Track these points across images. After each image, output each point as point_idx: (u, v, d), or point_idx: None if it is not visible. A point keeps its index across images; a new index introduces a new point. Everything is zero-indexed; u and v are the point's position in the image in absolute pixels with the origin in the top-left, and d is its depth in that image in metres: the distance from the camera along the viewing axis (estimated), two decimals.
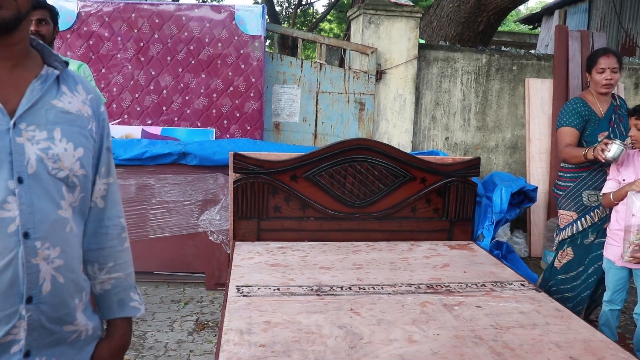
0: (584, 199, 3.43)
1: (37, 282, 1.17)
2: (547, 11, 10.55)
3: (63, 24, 4.74)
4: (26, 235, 1.15)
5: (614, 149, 3.05)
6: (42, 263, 1.17)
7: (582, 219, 3.45)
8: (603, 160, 3.09)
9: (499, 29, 13.11)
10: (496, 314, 2.30)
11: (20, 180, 1.15)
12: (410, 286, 2.61)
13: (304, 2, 18.52)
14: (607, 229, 3.25)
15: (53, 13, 3.21)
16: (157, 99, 4.88)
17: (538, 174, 5.62)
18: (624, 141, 3.14)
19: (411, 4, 5.53)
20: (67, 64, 1.30)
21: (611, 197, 3.09)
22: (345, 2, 15.40)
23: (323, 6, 20.58)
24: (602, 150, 3.06)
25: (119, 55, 4.81)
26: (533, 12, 12.41)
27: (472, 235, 3.55)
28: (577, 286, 3.52)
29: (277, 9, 17.73)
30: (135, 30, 4.81)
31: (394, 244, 3.34)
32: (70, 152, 1.23)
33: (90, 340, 1.36)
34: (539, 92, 5.76)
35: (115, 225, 1.44)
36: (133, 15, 4.79)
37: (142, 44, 4.82)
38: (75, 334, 1.29)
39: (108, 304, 1.45)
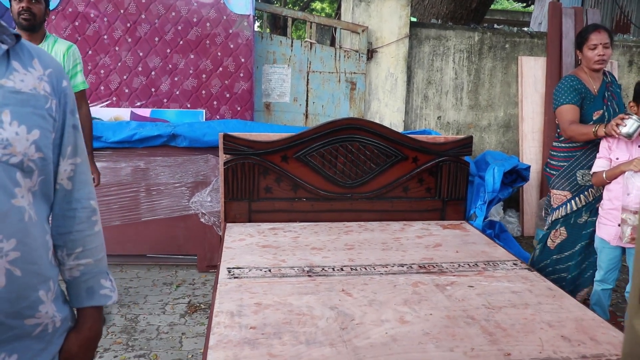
0: (578, 178, 3.41)
1: None
2: None
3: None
4: None
5: (630, 123, 2.93)
6: None
7: (577, 198, 3.43)
8: (617, 137, 3.03)
9: (492, 7, 13.01)
10: (488, 294, 2.29)
11: None
12: (402, 266, 2.59)
13: None
14: (600, 208, 3.23)
15: None
16: (146, 81, 4.81)
17: (531, 153, 5.60)
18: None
19: None
20: (18, 37, 1.20)
21: (604, 175, 3.07)
22: None
23: None
24: (617, 125, 2.99)
25: (105, 37, 4.73)
26: None
27: (464, 214, 3.54)
28: (572, 266, 3.52)
29: None
30: (122, 11, 4.72)
31: (386, 224, 3.33)
32: (22, 136, 1.14)
33: (61, 332, 1.29)
34: (532, 70, 5.72)
35: (84, 208, 1.34)
36: None
37: (129, 25, 4.74)
38: (39, 327, 1.21)
39: (77, 292, 1.36)
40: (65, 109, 1.28)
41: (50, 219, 1.31)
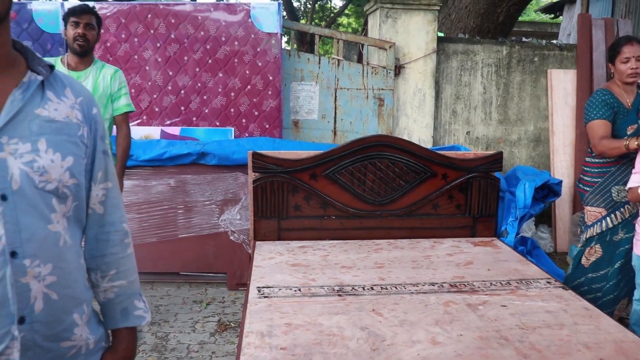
0: (613, 194, 3.33)
1: (28, 302, 1.13)
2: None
3: None
4: (13, 254, 1.11)
5: None
6: (33, 282, 1.13)
7: (612, 215, 3.36)
8: None
9: (520, 19, 12.93)
10: (522, 314, 2.24)
11: (3, 198, 1.10)
12: (433, 285, 2.56)
13: None
14: (637, 224, 3.15)
15: (98, 19, 3.31)
16: (175, 99, 4.88)
17: (562, 167, 5.51)
18: None
19: None
20: (52, 67, 1.24)
21: (639, 191, 3.00)
22: None
23: (341, 0, 20.51)
24: None
25: (136, 57, 4.82)
26: (554, 1, 12.20)
27: (495, 231, 3.48)
28: (609, 287, 3.43)
29: (295, 4, 17.71)
30: (152, 31, 4.81)
31: (416, 242, 3.30)
32: (57, 163, 1.18)
33: (92, 353, 1.32)
34: (562, 83, 5.65)
35: (117, 231, 1.38)
36: (149, 16, 4.79)
37: (158, 45, 4.82)
38: (74, 349, 1.25)
39: (111, 313, 1.40)
40: (95, 135, 1.32)
41: (83, 242, 1.34)
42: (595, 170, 3.41)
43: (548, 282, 2.61)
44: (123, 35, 4.79)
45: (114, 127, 3.50)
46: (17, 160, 1.13)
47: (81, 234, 1.32)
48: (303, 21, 16.34)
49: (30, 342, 1.15)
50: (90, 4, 4.81)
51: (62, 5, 4.83)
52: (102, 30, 3.48)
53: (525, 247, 4.19)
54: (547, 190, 4.39)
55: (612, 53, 3.40)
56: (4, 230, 1.10)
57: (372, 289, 2.51)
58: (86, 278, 1.31)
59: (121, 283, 1.39)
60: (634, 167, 3.13)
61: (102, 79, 3.31)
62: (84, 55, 3.26)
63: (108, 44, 4.78)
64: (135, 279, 1.44)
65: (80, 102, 1.28)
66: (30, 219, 1.14)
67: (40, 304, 1.15)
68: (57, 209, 1.19)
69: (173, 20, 4.81)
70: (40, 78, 1.20)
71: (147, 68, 4.83)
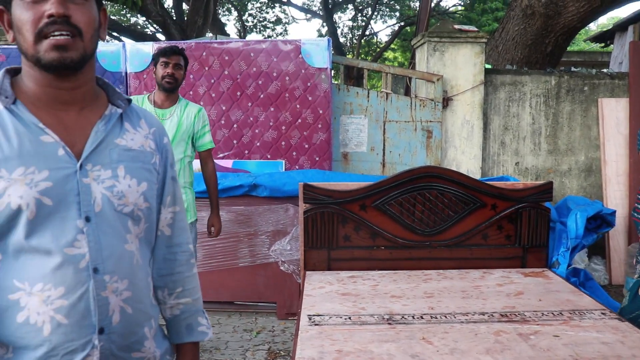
0: None
1: (107, 314, 1.23)
2: (620, 27, 10.21)
3: (140, 65, 5.02)
4: (95, 270, 1.22)
5: None
6: (111, 296, 1.24)
7: None
8: None
9: (569, 49, 12.80)
10: (575, 344, 2.22)
11: (87, 219, 1.22)
12: (484, 315, 2.56)
13: (367, 33, 18.72)
14: None
15: (186, 59, 3.49)
16: (228, 133, 5.04)
17: (616, 197, 5.40)
18: None
19: (475, 29, 5.52)
20: (129, 101, 1.37)
21: None
22: (409, 30, 15.47)
23: (387, 35, 20.73)
24: None
25: (191, 92, 5.02)
26: (604, 30, 12.05)
27: (546, 262, 3.44)
28: None
29: (341, 40, 18.00)
30: (207, 68, 5.01)
31: (466, 272, 3.29)
32: (134, 188, 1.30)
33: None
34: (614, 111, 5.58)
35: (184, 252, 1.49)
36: (204, 53, 5.00)
37: (212, 81, 5.01)
38: None
39: (177, 328, 1.50)
40: (166, 163, 1.44)
41: (151, 262, 1.44)
42: None
43: (603, 314, 2.57)
44: None
45: (191, 163, 3.64)
46: (100, 186, 1.25)
47: (150, 254, 1.43)
48: (350, 56, 16.57)
49: (107, 351, 1.25)
50: (152, 43, 5.06)
51: (124, 46, 5.10)
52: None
53: (578, 279, 4.11)
54: (600, 221, 4.31)
55: None
56: (87, 248, 1.22)
57: (422, 317, 2.53)
58: (152, 296, 1.41)
59: (187, 300, 1.49)
60: None
61: (185, 117, 3.46)
62: (171, 92, 3.43)
63: None
64: (199, 297, 1.54)
65: (153, 132, 1.41)
66: (110, 238, 1.26)
67: (117, 317, 1.26)
68: (131, 230, 1.31)
69: (227, 57, 5.00)
70: (119, 111, 1.34)
71: (201, 103, 5.02)
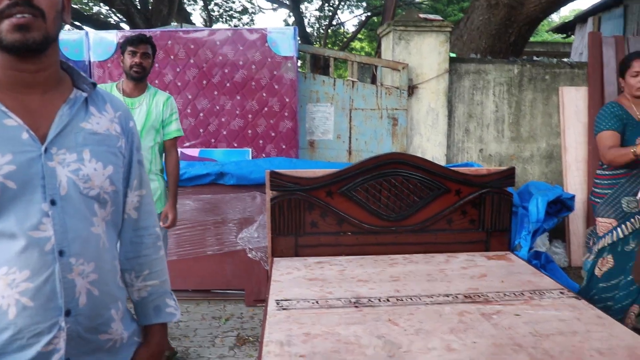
0: (623, 205, 3.39)
1: (73, 296, 1.24)
2: (581, 19, 10.43)
3: (103, 53, 4.95)
4: (61, 253, 1.22)
5: None
6: (78, 278, 1.24)
7: (623, 225, 3.41)
8: None
9: (532, 39, 13.01)
10: (535, 322, 2.29)
11: (53, 202, 1.22)
12: (448, 296, 2.61)
13: (334, 23, 18.72)
14: None
15: (154, 47, 3.47)
16: (195, 122, 5.01)
17: (575, 183, 5.55)
18: None
19: (440, 18, 5.58)
20: (94, 85, 1.37)
21: None
22: (376, 20, 15.52)
23: (354, 26, 20.74)
24: None
25: (156, 81, 4.97)
26: (566, 21, 12.28)
27: (509, 245, 3.53)
28: (620, 296, 3.47)
29: (308, 30, 17.97)
30: (172, 57, 4.97)
31: (431, 256, 3.35)
32: (100, 171, 1.30)
33: (126, 347, 1.42)
34: (574, 100, 5.71)
35: (150, 235, 1.50)
36: (169, 42, 4.95)
37: (178, 70, 4.97)
38: (110, 342, 1.35)
39: (145, 310, 1.51)
40: (132, 146, 1.44)
41: (118, 245, 1.45)
42: (606, 182, 3.47)
43: (561, 293, 2.66)
44: None
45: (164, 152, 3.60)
46: (65, 169, 1.25)
47: (117, 237, 1.44)
48: (317, 46, 16.56)
49: (74, 332, 1.25)
50: (116, 32, 4.99)
51: (87, 34, 5.01)
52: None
53: (539, 262, 4.22)
54: (561, 206, 4.43)
55: (623, 67, 3.48)
56: (53, 231, 1.22)
57: (388, 300, 2.57)
58: (119, 279, 1.42)
59: (154, 282, 1.51)
60: None
61: (154, 105, 3.44)
62: (139, 80, 3.40)
63: None
64: (167, 279, 1.55)
65: (119, 116, 1.41)
66: (76, 221, 1.26)
67: (84, 299, 1.26)
68: (98, 213, 1.31)
69: (192, 46, 4.96)
70: (84, 95, 1.34)
71: (167, 92, 4.96)
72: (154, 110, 3.42)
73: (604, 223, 3.48)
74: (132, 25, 10.98)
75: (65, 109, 1.28)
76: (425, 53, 5.47)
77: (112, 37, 4.98)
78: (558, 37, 14.95)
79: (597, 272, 3.55)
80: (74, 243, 1.24)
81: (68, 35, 5.03)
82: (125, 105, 1.49)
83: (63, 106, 1.28)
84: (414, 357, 1.97)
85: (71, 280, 1.24)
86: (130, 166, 1.44)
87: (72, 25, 11.82)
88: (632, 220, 3.38)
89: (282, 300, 2.58)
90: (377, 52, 6.98)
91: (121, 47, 3.41)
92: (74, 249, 1.24)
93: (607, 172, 3.47)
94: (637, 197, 3.19)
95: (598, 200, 3.50)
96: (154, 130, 3.43)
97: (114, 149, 1.36)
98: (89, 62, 5.00)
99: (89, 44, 4.98)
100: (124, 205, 1.44)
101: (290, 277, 2.95)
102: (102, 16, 15.01)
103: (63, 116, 1.27)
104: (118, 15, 14.70)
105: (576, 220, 5.45)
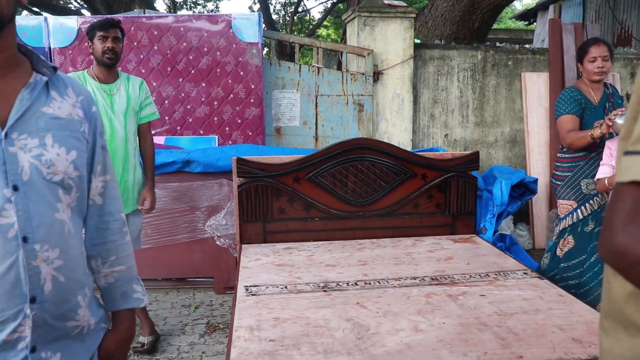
0: (582, 187, 3.48)
1: (38, 283, 1.22)
2: (542, 6, 10.61)
3: (64, 40, 4.84)
4: (25, 239, 1.20)
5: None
6: (42, 264, 1.23)
7: (582, 207, 3.50)
8: (609, 124, 3.09)
9: (495, 26, 13.17)
10: (500, 302, 2.35)
11: (15, 188, 1.20)
12: (415, 279, 2.66)
13: (300, 10, 18.62)
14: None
15: (123, 32, 3.39)
16: (160, 109, 4.94)
17: (538, 167, 5.67)
18: None
19: (404, 4, 5.60)
20: (55, 68, 1.33)
21: (606, 182, 3.14)
22: (342, 7, 15.49)
23: (319, 12, 20.67)
24: (615, 116, 3.08)
25: (119, 68, 4.88)
26: (528, 8, 12.45)
27: (474, 228, 3.60)
28: (582, 274, 3.57)
29: (274, 17, 17.84)
30: (135, 43, 4.89)
31: (398, 240, 3.39)
32: (63, 156, 1.28)
33: (94, 333, 1.41)
34: (536, 85, 5.82)
35: (116, 220, 1.48)
36: (132, 28, 4.87)
37: (142, 56, 4.90)
38: (77, 328, 1.34)
39: (112, 296, 1.50)
40: (95, 131, 1.42)
41: (83, 232, 1.43)
42: (566, 164, 3.56)
43: (525, 273, 2.72)
44: None
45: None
46: (27, 154, 1.22)
47: (82, 223, 1.42)
48: (283, 32, 16.45)
49: (40, 320, 1.24)
50: (77, 18, 4.89)
51: (46, 19, 4.89)
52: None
53: (504, 244, 4.31)
54: (524, 189, 4.51)
55: (581, 53, 3.56)
56: (16, 217, 1.20)
57: (356, 284, 2.60)
58: (86, 265, 1.40)
59: (120, 268, 1.49)
60: (601, 159, 3.28)
61: (132, 90, 3.39)
62: (111, 67, 3.33)
63: (92, 57, 4.83)
64: (133, 265, 1.54)
65: (81, 100, 1.38)
66: (40, 207, 1.23)
67: (49, 285, 1.24)
68: (62, 199, 1.29)
69: (156, 32, 4.89)
70: (45, 79, 1.30)
71: None
72: (132, 94, 3.38)
73: (564, 205, 3.58)
74: (93, 11, 10.74)
75: (25, 93, 1.25)
76: (390, 39, 5.49)
77: (72, 23, 4.87)
78: (521, 24, 15.16)
79: (558, 252, 3.65)
80: (39, 229, 1.22)
81: (26, 20, 4.90)
82: (86, 89, 1.45)
83: (23, 90, 1.25)
84: (382, 338, 2.00)
85: (36, 267, 1.22)
86: (94, 151, 1.42)
87: (30, 10, 11.51)
88: (591, 201, 3.48)
89: (251, 286, 2.59)
90: (343, 39, 6.98)
91: (88, 33, 3.32)
92: (39, 235, 1.22)
93: (567, 155, 3.55)
94: (596, 178, 3.28)
95: (559, 182, 3.59)
96: (135, 114, 3.39)
97: (77, 134, 1.33)
98: (49, 48, 4.89)
99: (49, 30, 4.86)
100: (88, 191, 1.42)
101: (258, 263, 2.96)
102: (61, 2, 14.65)
103: (23, 100, 1.24)
104: (78, 1, 14.37)
105: (539, 203, 5.57)
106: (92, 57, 4.47)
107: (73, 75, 3.29)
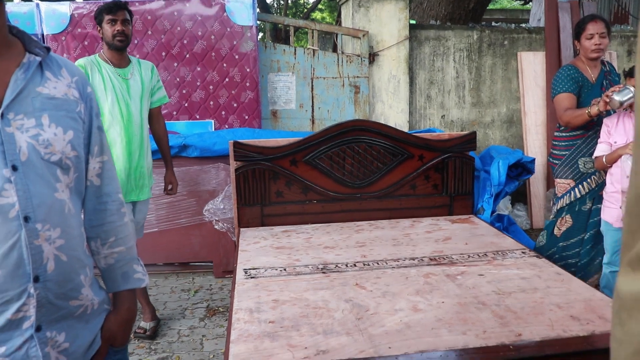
0: (580, 166, 3.48)
1: (41, 262, 1.22)
2: None
3: (57, 26, 4.80)
4: (26, 219, 1.20)
5: (624, 92, 2.98)
6: (45, 244, 1.23)
7: (580, 185, 3.50)
8: (607, 100, 3.07)
9: (491, 6, 13.09)
10: (498, 281, 2.35)
11: (14, 168, 1.20)
12: (414, 260, 2.66)
13: None
14: (604, 192, 3.30)
15: (131, 14, 3.33)
16: None
17: (535, 146, 5.66)
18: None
19: None
20: (48, 49, 1.33)
21: (604, 160, 3.15)
22: None
23: None
24: (612, 92, 3.05)
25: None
26: None
27: (472, 209, 3.60)
28: (582, 254, 3.58)
29: (268, 1, 17.70)
30: None
31: (396, 222, 3.40)
32: (60, 136, 1.28)
33: (97, 314, 1.42)
34: (532, 65, 5.79)
35: (114, 201, 1.49)
36: None
37: (136, 41, 4.86)
38: (81, 308, 1.35)
39: (113, 277, 1.51)
40: (91, 112, 1.42)
41: (82, 213, 1.43)
42: (563, 143, 3.55)
43: (523, 252, 2.73)
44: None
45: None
46: (24, 134, 1.22)
47: (81, 204, 1.42)
48: (277, 15, 16.34)
49: (44, 299, 1.24)
50: (70, 3, 4.84)
51: (38, 5, 4.85)
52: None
53: (502, 224, 4.32)
54: (521, 169, 4.52)
55: (578, 30, 3.54)
56: (16, 197, 1.20)
57: (355, 265, 2.61)
58: (85, 246, 1.41)
59: (120, 249, 1.50)
60: (599, 137, 3.28)
61: (145, 74, 3.36)
62: (123, 50, 3.28)
63: (86, 43, 4.80)
64: (133, 245, 1.54)
65: (75, 80, 1.38)
66: (39, 187, 1.23)
67: (52, 264, 1.25)
68: (61, 179, 1.29)
69: (149, 17, 4.85)
70: (38, 59, 1.29)
71: None
72: (145, 78, 3.35)
73: (562, 184, 3.58)
74: None
75: (20, 74, 1.25)
76: (385, 20, 5.45)
77: (65, 9, 4.82)
78: (516, 3, 15.07)
79: (556, 231, 3.65)
80: (39, 209, 1.23)
81: (18, 7, 4.86)
82: (81, 70, 1.45)
83: (17, 71, 1.25)
84: (381, 318, 2.01)
85: (38, 246, 1.22)
86: (90, 132, 1.42)
87: None
88: (589, 180, 3.49)
89: (250, 269, 2.60)
90: (338, 21, 6.94)
91: (96, 17, 3.27)
92: (40, 214, 1.23)
93: (564, 134, 3.55)
94: (594, 156, 3.28)
95: (556, 161, 3.59)
96: (148, 99, 3.38)
97: (73, 114, 1.33)
98: (42, 35, 4.84)
99: (41, 16, 4.82)
100: (85, 172, 1.42)
101: (257, 246, 2.96)
102: None
103: (18, 81, 1.24)
104: None
105: (537, 183, 5.57)
106: (85, 43, 4.43)
107: (85, 60, 3.24)
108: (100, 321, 1.44)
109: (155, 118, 3.51)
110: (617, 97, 3.01)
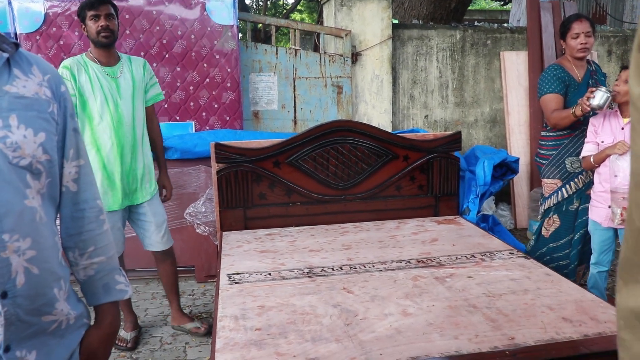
0: (567, 165, 3.46)
1: (9, 276, 1.12)
2: None
3: (31, 25, 4.68)
4: None
5: (598, 95, 3.00)
6: (13, 256, 1.12)
7: (567, 185, 3.49)
8: (588, 109, 3.08)
9: (471, 7, 13.15)
10: (488, 283, 2.32)
11: None
12: (401, 262, 2.62)
13: None
14: (591, 192, 3.29)
15: (116, 8, 3.17)
16: None
17: (519, 146, 5.66)
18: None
19: None
20: (17, 45, 1.23)
21: (591, 160, 3.13)
22: None
23: None
24: (588, 99, 3.06)
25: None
26: None
27: (458, 209, 3.57)
28: (572, 255, 3.56)
29: (247, 1, 17.61)
30: None
31: (381, 223, 3.35)
32: (30, 139, 1.17)
33: (74, 328, 1.31)
34: (515, 64, 5.79)
35: (92, 208, 1.38)
36: None
37: None
38: (55, 323, 1.24)
39: (93, 289, 1.40)
40: (65, 112, 1.31)
41: (57, 222, 1.33)
42: (550, 143, 3.53)
43: (511, 253, 2.70)
44: (77, 33, 4.70)
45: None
46: None
47: (55, 212, 1.32)
48: (257, 14, 16.26)
49: (13, 316, 1.14)
50: (44, 1, 4.71)
51: (10, 3, 4.72)
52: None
53: (487, 225, 4.29)
54: (505, 169, 4.50)
55: (563, 30, 3.52)
56: None
57: (341, 269, 2.55)
58: (61, 256, 1.30)
59: (100, 259, 1.39)
60: (586, 137, 3.26)
61: (136, 72, 3.21)
62: (110, 46, 3.13)
63: (61, 42, 4.69)
64: (114, 254, 1.43)
65: (48, 79, 1.28)
66: (6, 194, 1.13)
67: (21, 278, 1.14)
68: (31, 185, 1.18)
69: (127, 16, 4.74)
70: (5, 55, 1.19)
71: None
72: (136, 76, 3.20)
73: (549, 184, 3.56)
74: None
75: None
76: (368, 19, 5.41)
77: (39, 7, 4.69)
78: (496, 4, 15.16)
79: (544, 232, 3.63)
80: (7, 218, 1.12)
81: None
82: (54, 68, 1.34)
83: None
84: (371, 323, 1.96)
85: (5, 259, 1.11)
86: (65, 134, 1.31)
87: None
88: (576, 180, 3.47)
89: (234, 274, 2.53)
90: (319, 21, 6.88)
91: (79, 14, 3.12)
92: (7, 224, 1.11)
93: (550, 134, 3.53)
94: (581, 156, 3.27)
95: (543, 161, 3.57)
96: (141, 97, 3.23)
97: (44, 115, 1.23)
98: (15, 34, 4.71)
99: (14, 14, 4.69)
100: (60, 177, 1.31)
101: (240, 250, 2.90)
102: None
103: None
104: None
105: (520, 182, 5.57)
106: (60, 42, 4.30)
107: (71, 60, 3.09)
108: (78, 336, 1.33)
109: (148, 117, 3.35)
110: (594, 103, 3.03)
